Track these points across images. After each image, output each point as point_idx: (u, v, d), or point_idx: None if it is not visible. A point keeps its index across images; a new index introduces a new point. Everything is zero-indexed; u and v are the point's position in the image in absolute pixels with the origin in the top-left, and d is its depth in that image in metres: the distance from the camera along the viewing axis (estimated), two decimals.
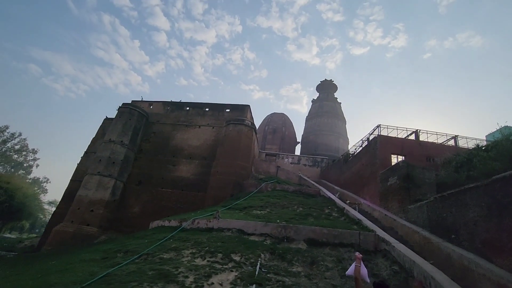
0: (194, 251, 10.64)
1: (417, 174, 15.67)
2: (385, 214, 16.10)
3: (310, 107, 61.40)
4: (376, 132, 21.49)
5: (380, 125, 21.08)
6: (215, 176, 24.13)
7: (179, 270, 9.02)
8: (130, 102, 29.29)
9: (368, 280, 4.41)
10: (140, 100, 31.06)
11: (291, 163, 38.23)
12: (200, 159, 26.34)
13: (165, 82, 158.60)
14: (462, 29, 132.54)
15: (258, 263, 9.57)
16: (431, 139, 21.20)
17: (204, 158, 26.34)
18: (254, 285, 8.13)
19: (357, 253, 4.33)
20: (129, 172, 25.75)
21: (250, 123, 26.83)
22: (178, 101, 30.66)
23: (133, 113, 26.86)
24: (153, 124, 28.79)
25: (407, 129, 21.26)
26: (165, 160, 26.59)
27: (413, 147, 19.90)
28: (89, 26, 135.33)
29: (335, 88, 63.53)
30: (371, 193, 19.74)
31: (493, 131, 13.24)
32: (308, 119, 60.21)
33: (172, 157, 26.77)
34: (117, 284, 8.20)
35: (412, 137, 21.43)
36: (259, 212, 16.01)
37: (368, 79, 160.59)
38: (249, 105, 28.77)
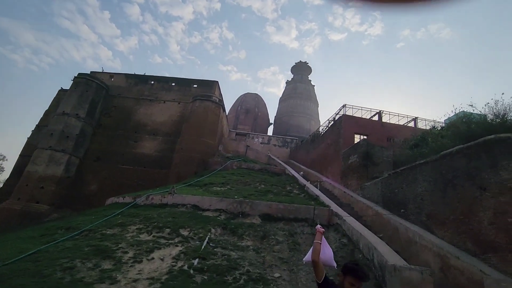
0: (141, 227, 10.06)
1: (375, 153, 15.93)
2: (344, 191, 16.38)
3: (284, 89, 61.03)
4: (342, 112, 21.55)
5: (345, 104, 21.14)
6: (179, 153, 23.28)
7: (120, 245, 8.43)
8: (88, 73, 27.02)
9: (335, 265, 3.12)
10: (101, 71, 28.80)
11: (261, 143, 38.03)
12: (164, 136, 25.21)
13: (138, 58, 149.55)
14: (434, 21, 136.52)
15: (207, 238, 9.21)
16: (393, 120, 21.69)
17: (168, 134, 25.24)
18: (197, 259, 7.77)
19: (318, 226, 3.15)
20: (86, 148, 24.10)
21: (217, 99, 25.90)
22: (142, 74, 28.79)
23: (91, 85, 24.82)
24: (114, 97, 26.91)
25: (371, 110, 21.53)
26: (126, 135, 25.15)
27: (376, 127, 20.24)
28: None
29: (309, 70, 63.28)
30: (333, 172, 20.01)
31: (451, 115, 13.75)
32: (281, 100, 59.92)
33: (134, 133, 25.37)
34: (46, 261, 7.48)
35: (376, 118, 21.78)
36: (219, 188, 15.61)
37: (344, 65, 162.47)
38: (217, 81, 27.67)
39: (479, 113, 11.64)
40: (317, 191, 14.74)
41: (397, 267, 6.41)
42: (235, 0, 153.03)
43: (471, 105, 11.54)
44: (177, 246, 8.64)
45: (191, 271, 7.12)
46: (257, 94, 60.65)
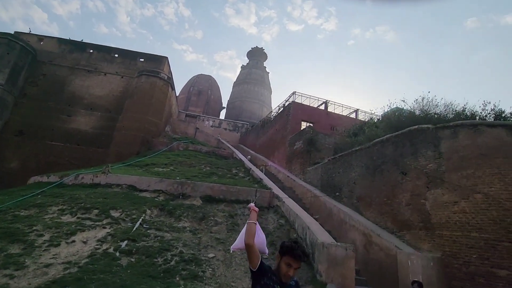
0: (64, 208, 9.04)
1: (319, 139, 16.66)
2: (287, 176, 16.93)
3: (239, 73, 60.26)
4: (291, 99, 22.00)
5: (295, 92, 21.61)
6: (121, 131, 21.50)
7: (34, 228, 7.45)
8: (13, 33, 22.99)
9: (267, 251, 2.74)
10: (28, 32, 24.74)
11: (211, 126, 37.29)
12: (103, 111, 22.95)
13: (80, 26, 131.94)
14: (381, 23, 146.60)
15: (140, 219, 8.66)
16: (338, 110, 22.88)
17: (108, 110, 23.04)
18: (126, 242, 7.25)
19: (251, 204, 2.63)
20: (5, 119, 20.76)
21: (166, 76, 24.33)
22: (80, 40, 25.52)
23: (14, 46, 21.15)
24: (43, 64, 23.43)
25: (319, 99, 22.40)
26: (57, 108, 22.26)
27: (322, 116, 21.15)
28: None
29: (265, 56, 63.18)
30: (280, 157, 20.53)
31: (387, 109, 15.19)
32: (235, 84, 59.15)
33: (67, 106, 22.58)
34: None
35: (323, 107, 22.74)
36: (161, 169, 14.85)
37: (299, 56, 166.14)
38: (166, 57, 25.88)
39: (410, 108, 12.73)
40: (261, 175, 14.93)
41: (325, 244, 6.77)
42: None
43: (403, 101, 12.59)
44: (104, 228, 7.96)
45: (117, 254, 6.61)
46: (211, 76, 58.76)
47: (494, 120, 8.63)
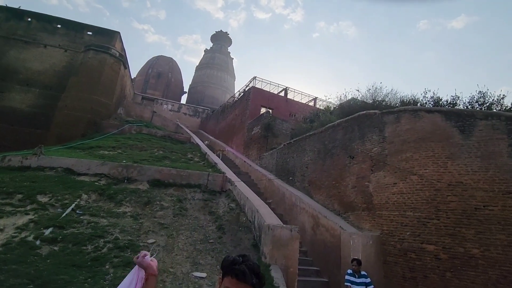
0: None
1: (276, 125, 16.63)
2: (244, 161, 16.75)
3: (202, 57, 58.13)
4: (252, 84, 21.64)
5: (256, 77, 21.29)
6: (63, 110, 19.42)
7: None
8: None
9: None
10: None
11: (170, 110, 35.67)
12: (42, 88, 20.48)
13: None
14: (344, 18, 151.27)
15: (73, 205, 7.82)
16: (297, 98, 23.09)
17: (48, 87, 20.61)
18: (51, 229, 6.45)
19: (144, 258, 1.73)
20: None
21: (118, 53, 22.35)
22: (17, 7, 22.23)
23: None
24: None
25: (279, 85, 22.36)
26: None
27: (281, 103, 21.16)
28: None
29: (229, 41, 61.62)
30: (238, 142, 20.25)
31: (343, 99, 15.86)
32: (198, 68, 57.10)
33: (0, 80, 19.77)
34: None
35: (283, 94, 22.77)
36: (107, 152, 13.71)
37: (264, 45, 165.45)
38: (118, 32, 23.71)
39: (363, 96, 13.07)
40: (216, 159, 14.54)
41: (270, 226, 6.67)
42: None
43: (358, 90, 12.90)
44: (27, 214, 7.03)
45: (37, 242, 5.84)
46: (172, 58, 55.90)
47: (432, 106, 9.16)
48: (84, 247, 5.97)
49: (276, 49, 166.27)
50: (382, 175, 7.92)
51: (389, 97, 10.13)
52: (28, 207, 7.35)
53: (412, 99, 9.34)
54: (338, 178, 9.52)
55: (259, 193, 13.02)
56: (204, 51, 58.86)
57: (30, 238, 5.94)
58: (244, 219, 8.70)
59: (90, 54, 21.08)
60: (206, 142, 20.89)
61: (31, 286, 4.39)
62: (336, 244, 8.15)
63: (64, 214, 7.21)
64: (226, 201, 10.06)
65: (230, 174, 11.95)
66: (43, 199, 7.88)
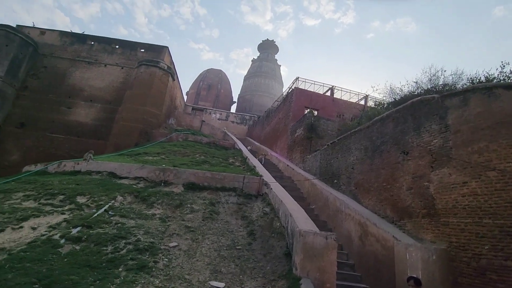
0: (29, 193, 8.45)
1: (320, 125, 15.40)
2: (287, 165, 15.81)
3: (249, 67, 59.17)
4: (295, 85, 20.73)
5: (298, 77, 20.33)
6: (119, 122, 21.10)
7: None
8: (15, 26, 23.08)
9: None
10: (30, 26, 24.87)
11: (218, 119, 36.55)
12: (103, 103, 22.67)
13: (101, 28, 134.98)
14: (402, 15, 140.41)
15: (106, 206, 7.90)
16: (346, 97, 21.37)
17: (108, 102, 22.73)
18: (79, 228, 6.47)
19: None
20: (6, 112, 20.88)
21: (166, 66, 23.68)
22: (81, 32, 25.37)
23: (13, 39, 21.20)
24: (45, 57, 23.46)
25: (324, 85, 20.99)
26: (58, 101, 22.19)
27: (327, 103, 19.77)
28: None
29: (276, 49, 61.73)
30: (282, 146, 19.40)
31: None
32: (246, 78, 58.17)
33: (68, 98, 22.46)
34: None
35: (329, 94, 21.32)
36: (150, 158, 14.15)
37: (315, 51, 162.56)
38: (167, 47, 25.24)
39: (418, 85, 11.21)
40: (256, 163, 13.91)
41: (301, 232, 5.67)
42: None
43: (416, 82, 11.07)
44: (63, 214, 7.25)
45: (61, 241, 5.83)
46: (221, 70, 58.07)
47: None
48: (104, 248, 5.78)
49: (327, 54, 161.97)
50: (446, 172, 6.31)
51: (452, 79, 8.27)
52: (66, 207, 7.61)
53: (485, 76, 7.43)
54: (389, 178, 8.02)
55: (301, 198, 11.98)
56: (252, 60, 59.80)
57: (57, 237, 5.99)
58: (278, 224, 7.79)
59: (141, 69, 22.69)
60: (249, 147, 20.53)
61: (37, 285, 4.22)
62: (389, 257, 6.71)
63: (96, 214, 7.27)
64: (261, 205, 9.28)
65: (267, 177, 11.17)
66: (81, 200, 8.14)
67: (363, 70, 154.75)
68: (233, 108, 54.95)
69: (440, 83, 8.52)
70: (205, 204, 8.95)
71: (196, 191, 10.00)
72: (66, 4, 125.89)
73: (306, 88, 20.65)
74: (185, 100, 41.98)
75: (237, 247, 6.79)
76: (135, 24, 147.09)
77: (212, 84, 54.15)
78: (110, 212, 7.64)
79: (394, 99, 10.49)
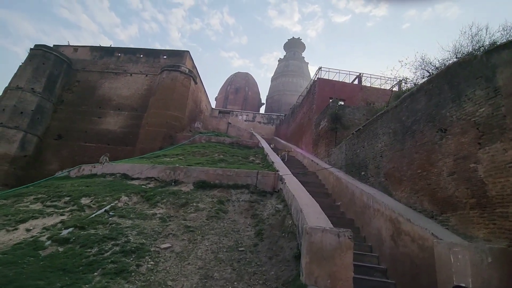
0: (40, 197, 8.43)
1: (346, 114, 13.95)
2: (312, 160, 14.56)
3: (276, 67, 58.33)
4: (318, 76, 19.39)
5: (321, 67, 18.96)
6: (145, 128, 21.49)
7: None
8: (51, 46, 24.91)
9: None
10: (64, 45, 26.69)
11: (245, 120, 36.10)
12: (130, 110, 23.35)
13: (139, 46, 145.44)
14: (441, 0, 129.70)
15: (108, 206, 7.51)
16: (376, 84, 19.47)
17: (135, 109, 23.36)
18: (70, 229, 6.08)
19: None
20: (46, 125, 22.41)
21: (187, 70, 23.77)
22: (109, 45, 26.63)
23: (49, 57, 22.80)
24: (77, 72, 24.94)
25: (350, 73, 19.32)
26: (89, 111, 23.34)
27: (354, 92, 18.11)
28: None
29: (303, 47, 60.19)
30: (307, 141, 18.14)
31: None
32: (273, 78, 57.36)
33: (98, 108, 23.52)
34: None
35: (356, 82, 19.60)
36: (168, 159, 13.87)
37: (347, 48, 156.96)
38: (188, 51, 25.41)
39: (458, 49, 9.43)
40: (275, 159, 12.97)
41: (307, 229, 4.61)
42: None
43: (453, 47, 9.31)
44: (62, 215, 6.97)
45: (47, 243, 5.45)
46: (247, 73, 58.02)
47: None
48: (89, 250, 5.26)
49: (361, 50, 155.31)
50: (500, 148, 4.81)
51: (501, 35, 6.58)
52: (68, 209, 7.36)
53: None
54: (425, 164, 6.56)
55: (326, 195, 10.78)
56: (278, 60, 58.83)
57: (44, 239, 5.63)
58: (290, 222, 6.76)
59: (164, 75, 22.99)
60: (272, 145, 19.56)
61: None
62: (428, 261, 5.31)
63: (94, 215, 6.88)
64: (275, 202, 8.30)
65: (284, 171, 10.13)
66: (85, 201, 7.87)
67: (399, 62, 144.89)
68: (262, 110, 54.36)
69: (487, 43, 6.85)
70: (212, 202, 8.21)
71: (206, 189, 9.32)
72: (108, 29, 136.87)
73: (331, 78, 19.20)
74: (214, 106, 42.38)
75: (240, 249, 5.89)
76: (170, 39, 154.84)
77: (239, 87, 54.16)
78: (110, 213, 7.22)
79: (428, 71, 8.86)
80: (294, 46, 58.87)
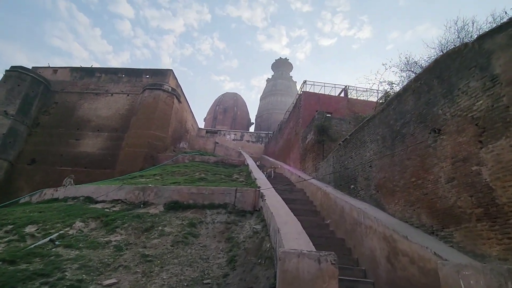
0: None
1: (332, 126, 13.29)
2: (299, 176, 13.65)
3: (264, 87, 58.69)
4: (302, 90, 18.94)
5: (306, 81, 18.55)
6: (125, 149, 20.37)
7: None
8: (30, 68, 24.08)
9: None
10: (44, 66, 25.91)
11: (233, 139, 35.29)
12: (109, 131, 22.27)
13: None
14: (421, 22, 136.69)
15: (55, 235, 6.37)
16: (363, 96, 19.11)
17: (115, 129, 22.30)
18: None
19: None
20: (19, 150, 21.05)
21: (170, 88, 23.11)
22: (90, 66, 25.96)
23: (24, 78, 21.88)
24: (56, 93, 23.99)
25: (336, 86, 18.96)
26: (67, 134, 22.16)
27: (341, 104, 17.64)
28: (42, 12, 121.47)
29: (290, 67, 61.05)
30: (295, 157, 17.31)
31: None
32: (262, 98, 57.43)
33: (76, 130, 22.39)
34: None
35: (342, 95, 19.20)
36: (144, 180, 12.75)
37: (335, 68, 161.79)
38: (171, 70, 24.90)
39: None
40: (258, 175, 12.03)
41: (280, 255, 3.64)
42: (224, 10, 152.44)
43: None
44: None
45: None
46: (236, 93, 58.05)
47: None
48: None
49: (348, 70, 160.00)
50: (506, 145, 4.04)
51: (489, 27, 6.07)
52: (6, 239, 6.17)
53: None
54: (419, 170, 5.75)
55: (314, 213, 9.80)
56: (266, 80, 59.24)
57: None
58: (268, 245, 5.73)
59: (146, 93, 22.26)
60: (258, 162, 18.66)
61: None
62: (433, 286, 4.35)
63: (32, 246, 5.71)
64: (254, 223, 7.27)
65: (266, 187, 9.17)
66: (30, 229, 6.71)
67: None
68: (252, 130, 53.85)
69: (475, 37, 6.31)
70: (182, 225, 7.13)
71: (179, 211, 8.25)
72: (100, 56, 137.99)
73: (316, 92, 18.76)
74: (203, 126, 41.64)
75: (205, 281, 4.81)
76: (161, 64, 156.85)
77: (228, 107, 53.84)
78: (56, 242, 6.07)
79: (414, 72, 8.32)
80: (281, 66, 59.66)
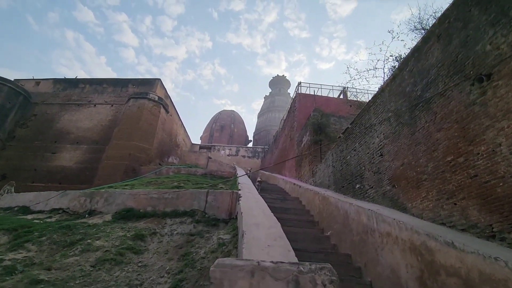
0: None
1: (331, 124, 11.49)
2: (294, 184, 11.64)
3: (262, 104, 57.90)
4: (297, 92, 17.33)
5: (301, 82, 16.99)
6: (104, 162, 18.46)
7: None
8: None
9: None
10: (27, 78, 24.61)
11: (228, 155, 33.41)
12: (89, 144, 20.45)
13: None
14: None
15: None
16: (364, 98, 17.42)
17: (95, 142, 20.49)
18: None
19: None
20: None
21: (157, 97, 21.59)
22: (74, 77, 24.65)
23: (1, 89, 20.46)
24: (36, 105, 22.48)
25: (333, 88, 17.36)
26: (43, 147, 20.34)
27: (339, 106, 15.89)
28: (51, 42, 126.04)
29: (287, 84, 60.59)
30: (290, 165, 15.35)
31: None
32: (260, 115, 56.38)
33: (54, 143, 20.58)
34: None
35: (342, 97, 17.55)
36: (111, 190, 10.73)
37: (335, 92, 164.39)
38: (159, 79, 23.54)
39: None
40: (243, 180, 10.03)
41: (210, 273, 1.70)
42: (225, 38, 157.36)
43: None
44: None
45: None
46: (233, 110, 57.18)
47: None
48: None
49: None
50: None
51: None
52: None
53: None
54: (459, 142, 3.85)
55: (311, 223, 7.76)
56: (264, 97, 58.46)
57: None
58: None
59: (130, 103, 20.73)
60: (258, 178, 16.79)
61: None
62: None
63: None
64: (223, 232, 5.24)
65: (246, 189, 7.18)
66: None
67: None
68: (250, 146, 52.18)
69: None
70: (123, 238, 5.12)
71: (130, 220, 6.26)
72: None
73: (314, 93, 17.14)
74: (199, 143, 39.98)
75: None
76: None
77: (225, 124, 52.53)
78: None
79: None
80: (279, 83, 59.11)
